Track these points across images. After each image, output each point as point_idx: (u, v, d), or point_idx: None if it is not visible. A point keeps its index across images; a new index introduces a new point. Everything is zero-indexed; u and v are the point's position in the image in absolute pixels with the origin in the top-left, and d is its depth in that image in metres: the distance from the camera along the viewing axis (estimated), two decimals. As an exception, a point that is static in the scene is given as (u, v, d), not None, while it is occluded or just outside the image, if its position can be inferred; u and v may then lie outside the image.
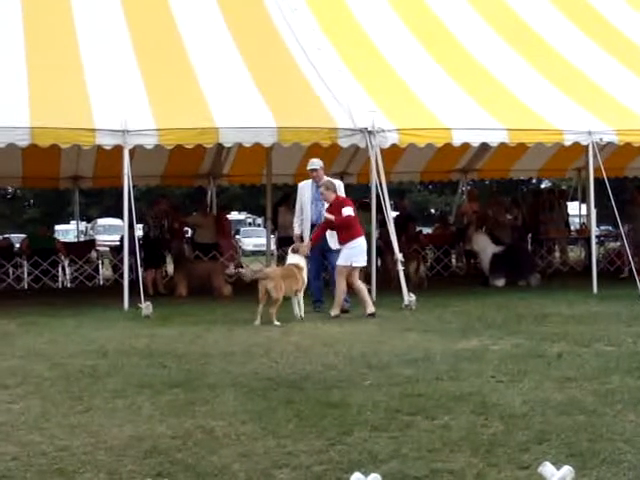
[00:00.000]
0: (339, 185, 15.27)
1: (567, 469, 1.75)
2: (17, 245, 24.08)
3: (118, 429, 6.75)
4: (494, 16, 20.19)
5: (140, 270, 15.66)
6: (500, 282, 18.80)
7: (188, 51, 17.54)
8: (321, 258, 15.00)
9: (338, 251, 14.83)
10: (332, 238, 14.80)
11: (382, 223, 16.59)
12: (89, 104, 15.73)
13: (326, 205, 14.76)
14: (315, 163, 15.10)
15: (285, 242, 18.54)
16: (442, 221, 26.21)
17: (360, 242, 14.37)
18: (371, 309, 13.95)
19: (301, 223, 15.11)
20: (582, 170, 21.72)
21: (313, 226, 14.85)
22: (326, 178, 15.17)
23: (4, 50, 16.82)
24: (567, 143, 16.90)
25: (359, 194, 24.03)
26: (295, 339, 11.45)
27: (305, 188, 15.18)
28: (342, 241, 14.31)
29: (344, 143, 16.22)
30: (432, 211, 53.53)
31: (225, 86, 16.69)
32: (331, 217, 14.24)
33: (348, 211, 14.28)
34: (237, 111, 16.02)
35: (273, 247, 22.56)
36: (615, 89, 18.39)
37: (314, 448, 6.12)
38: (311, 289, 14.83)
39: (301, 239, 15.02)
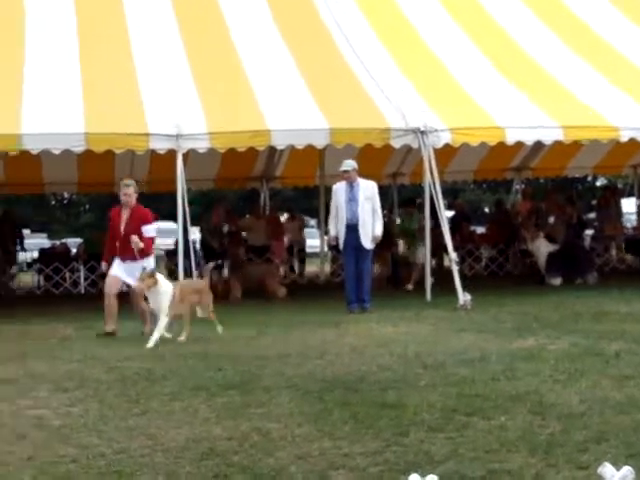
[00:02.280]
0: (373, 186, 15.26)
1: (627, 469, 1.71)
2: (74, 250, 24.31)
3: (175, 431, 6.78)
4: (546, 12, 20.03)
5: (195, 273, 15.73)
6: (556, 281, 18.65)
7: (239, 54, 17.61)
8: (355, 258, 15.08)
9: (370, 251, 14.96)
10: (365, 237, 14.84)
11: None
12: (142, 109, 15.86)
13: (361, 203, 14.80)
14: (348, 164, 15.09)
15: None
16: (501, 214, 25.58)
17: (152, 259, 13.24)
18: (149, 328, 12.53)
19: (336, 224, 15.16)
20: (638, 167, 21.48)
21: (348, 226, 14.91)
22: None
23: (58, 58, 17.00)
24: (623, 139, 16.72)
25: (412, 194, 23.96)
26: (350, 340, 11.43)
27: (340, 190, 15.16)
28: (139, 258, 12.75)
29: (397, 144, 16.19)
30: (486, 210, 53.18)
31: (277, 88, 16.74)
32: (140, 245, 12.72)
33: (151, 232, 13.05)
34: (289, 113, 16.06)
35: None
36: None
37: (370, 449, 6.10)
38: (346, 289, 14.97)
39: (336, 240, 15.35)
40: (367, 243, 14.96)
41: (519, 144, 17.36)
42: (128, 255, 12.79)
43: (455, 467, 5.59)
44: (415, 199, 20.66)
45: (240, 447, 6.28)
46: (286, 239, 24.09)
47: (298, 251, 24.05)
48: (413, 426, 6.65)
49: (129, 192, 13.14)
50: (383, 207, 16.23)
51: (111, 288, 12.92)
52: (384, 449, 6.10)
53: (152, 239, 13.05)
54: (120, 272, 12.93)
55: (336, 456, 5.97)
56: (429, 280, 16.20)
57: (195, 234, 23.00)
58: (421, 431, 6.52)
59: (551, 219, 21.20)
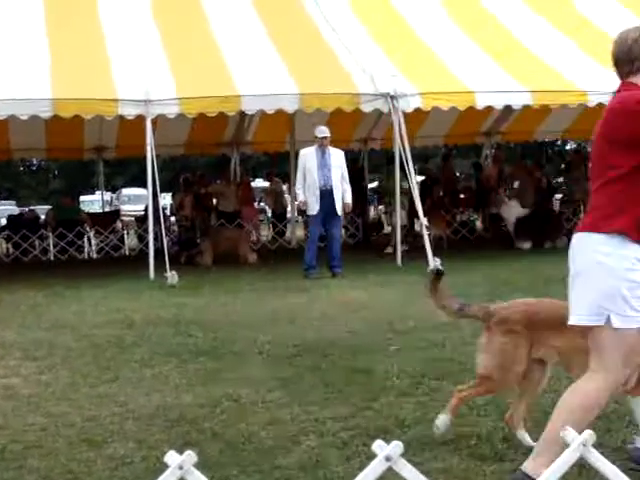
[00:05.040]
0: (342, 154, 15.26)
1: (588, 433, 1.73)
2: (42, 217, 24.16)
3: (145, 398, 6.79)
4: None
5: (165, 239, 15.68)
6: (526, 245, 18.73)
7: (209, 19, 17.51)
8: (324, 224, 15.06)
9: (340, 217, 15.27)
10: (338, 203, 14.85)
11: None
12: (111, 74, 15.74)
13: (333, 169, 14.78)
14: (325, 130, 15.09)
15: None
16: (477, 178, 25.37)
17: None
18: None
19: (305, 189, 15.10)
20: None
21: (322, 192, 14.86)
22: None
23: (25, 22, 16.82)
24: (591, 104, 16.74)
25: (382, 160, 23.94)
26: (321, 306, 11.44)
27: (309, 155, 15.13)
28: None
29: (367, 108, 16.18)
30: (457, 174, 53.28)
31: (246, 53, 16.65)
32: None
33: None
34: (259, 78, 15.99)
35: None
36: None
37: (341, 414, 6.12)
38: (307, 255, 14.96)
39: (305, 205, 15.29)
40: (339, 209, 14.99)
41: (489, 108, 17.36)
42: None
43: (425, 431, 5.63)
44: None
45: (211, 413, 6.29)
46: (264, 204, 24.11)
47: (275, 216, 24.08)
48: (383, 391, 6.69)
49: None
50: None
51: None
52: (354, 414, 6.13)
53: None
54: None
55: (306, 421, 6.00)
56: (399, 245, 16.24)
57: (165, 199, 22.95)
58: (391, 396, 6.56)
59: (516, 183, 21.33)
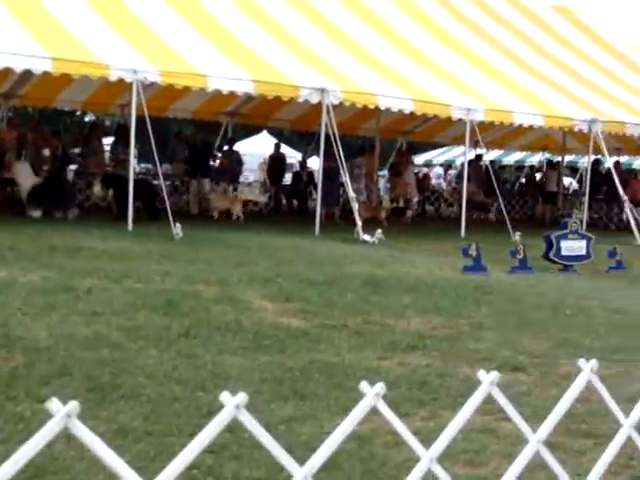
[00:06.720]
0: None
1: (72, 404, 1.77)
2: None
3: None
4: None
5: None
6: (37, 213, 18.47)
7: None
8: None
9: None
10: None
11: None
12: None
13: None
14: None
15: None
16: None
17: None
18: None
19: None
20: (126, 107, 21.82)
21: None
22: None
23: None
24: (112, 78, 16.95)
25: None
26: None
27: None
28: None
29: None
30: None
31: None
32: None
33: None
34: None
35: None
36: (163, 31, 18.74)
37: None
38: None
39: None
40: None
41: (7, 70, 16.94)
42: None
43: None
44: None
45: None
46: None
47: None
48: None
49: None
50: None
51: None
52: None
53: None
54: None
55: None
56: None
57: None
58: None
59: (46, 152, 21.12)
